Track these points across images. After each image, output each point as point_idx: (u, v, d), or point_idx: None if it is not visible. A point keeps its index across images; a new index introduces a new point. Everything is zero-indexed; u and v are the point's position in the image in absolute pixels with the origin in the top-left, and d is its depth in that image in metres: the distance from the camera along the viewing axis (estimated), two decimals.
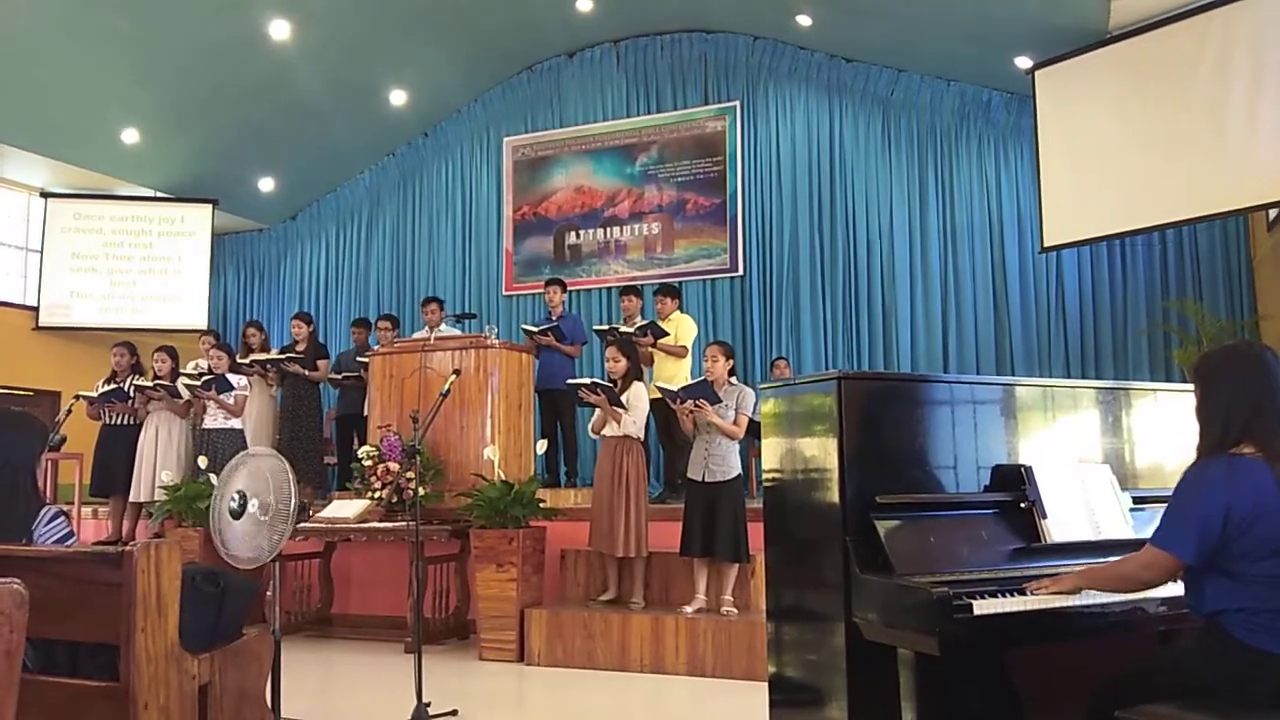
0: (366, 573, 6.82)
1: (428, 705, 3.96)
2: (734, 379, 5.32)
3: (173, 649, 2.74)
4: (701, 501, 5.19)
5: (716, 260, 10.30)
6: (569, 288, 9.04)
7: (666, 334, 6.97)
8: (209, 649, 2.92)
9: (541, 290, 8.45)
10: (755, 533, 4.80)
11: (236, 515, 3.19)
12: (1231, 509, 2.19)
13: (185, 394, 7.19)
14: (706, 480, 5.19)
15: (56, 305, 10.87)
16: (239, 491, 3.22)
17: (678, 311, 7.26)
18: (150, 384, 7.22)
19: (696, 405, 5.14)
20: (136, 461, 7.14)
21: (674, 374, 6.75)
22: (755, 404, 5.16)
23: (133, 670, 2.63)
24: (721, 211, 10.35)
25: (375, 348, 7.43)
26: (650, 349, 6.95)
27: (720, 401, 5.17)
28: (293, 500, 3.21)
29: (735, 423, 5.18)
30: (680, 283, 9.10)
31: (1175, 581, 2.39)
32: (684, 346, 7.02)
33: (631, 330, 6.99)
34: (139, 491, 7.10)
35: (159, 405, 7.25)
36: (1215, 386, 2.36)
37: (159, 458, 7.09)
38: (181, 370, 7.57)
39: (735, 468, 5.21)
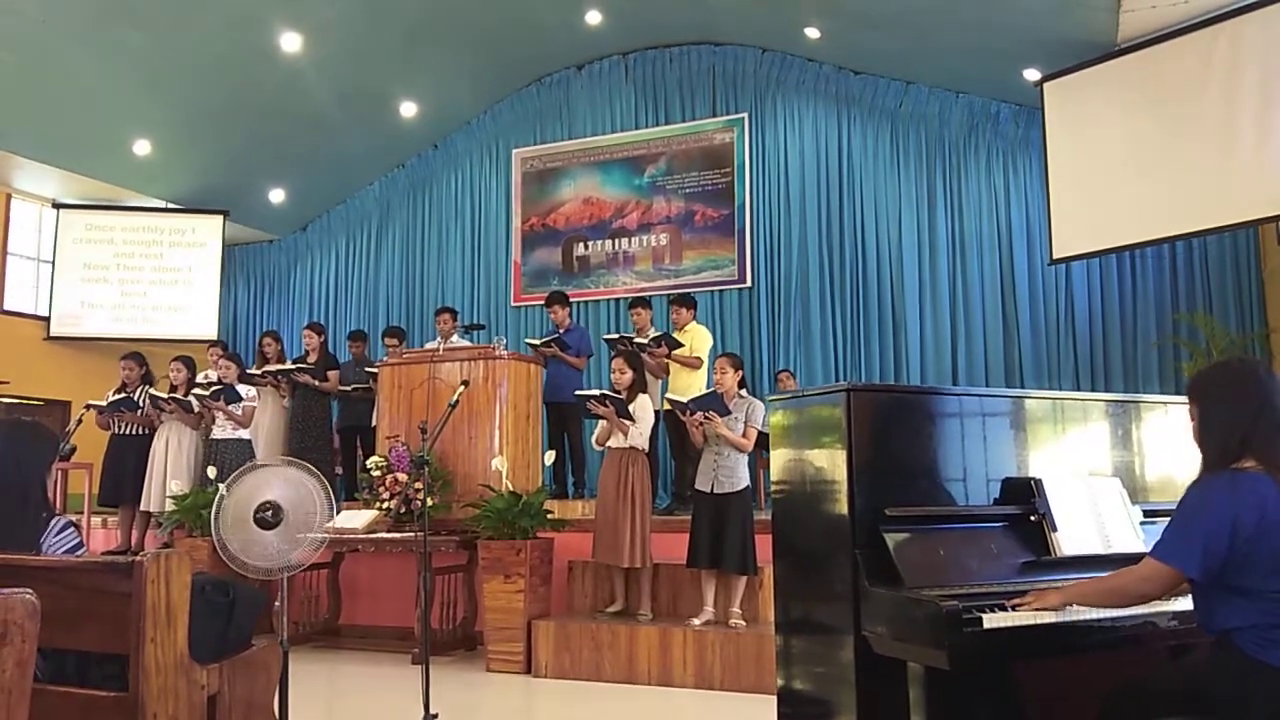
0: (374, 583, 6.83)
1: (435, 716, 3.96)
2: (744, 391, 5.32)
3: (182, 659, 2.74)
4: (709, 513, 5.18)
5: (724, 272, 10.31)
6: (578, 299, 9.05)
7: (680, 345, 6.94)
8: (218, 659, 2.92)
9: (546, 306, 8.38)
10: (763, 545, 4.79)
11: (269, 525, 3.15)
12: (1238, 523, 2.19)
13: (196, 406, 7.21)
14: (715, 492, 5.18)
15: (68, 315, 10.93)
16: (270, 502, 3.17)
17: (693, 322, 7.21)
18: (165, 395, 7.25)
19: (706, 417, 5.14)
20: (147, 471, 7.17)
21: (689, 385, 6.68)
22: (764, 416, 5.15)
23: (142, 680, 2.63)
24: (729, 223, 10.36)
25: (383, 359, 7.45)
26: (665, 360, 6.94)
27: (729, 413, 5.17)
28: (323, 512, 3.20)
29: (744, 435, 5.18)
30: (689, 294, 9.09)
31: (1174, 597, 2.39)
32: (699, 358, 6.93)
33: (646, 341, 6.97)
34: (149, 501, 7.13)
35: (172, 416, 7.28)
36: (1211, 404, 2.38)
37: (169, 468, 7.12)
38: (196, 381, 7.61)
39: (744, 479, 5.20)
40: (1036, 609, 2.44)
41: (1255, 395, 2.32)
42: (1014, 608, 2.44)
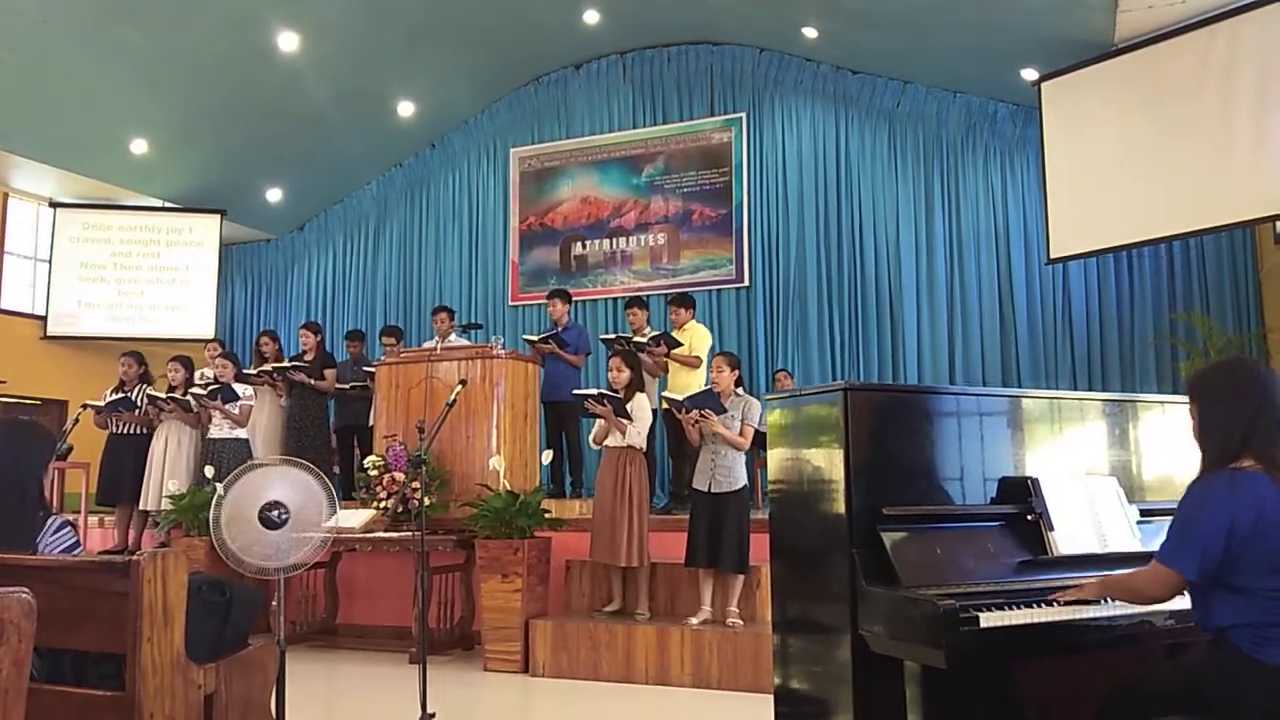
0: (371, 583, 6.82)
1: (432, 716, 3.95)
2: (741, 390, 5.32)
3: (179, 659, 2.74)
4: (707, 512, 5.18)
5: (722, 271, 10.31)
6: (575, 299, 9.02)
7: (679, 344, 6.93)
8: (215, 659, 2.92)
9: (547, 301, 8.43)
10: (759, 544, 4.79)
11: (275, 525, 3.14)
12: (1235, 524, 2.19)
13: (194, 405, 7.20)
14: (713, 491, 5.18)
15: (65, 314, 10.92)
16: (276, 502, 3.16)
17: (693, 321, 7.18)
18: (163, 395, 7.25)
19: (702, 415, 5.14)
20: (146, 470, 7.16)
21: (687, 384, 6.64)
22: (761, 415, 5.15)
23: (138, 680, 2.63)
24: (727, 222, 10.36)
25: (381, 358, 7.44)
26: (664, 359, 6.93)
27: (726, 412, 5.17)
28: (327, 511, 3.20)
29: (741, 433, 5.18)
30: (687, 293, 9.09)
31: (1182, 595, 2.40)
32: (698, 357, 6.90)
33: (644, 341, 6.97)
34: (147, 500, 7.11)
35: (170, 415, 7.27)
36: (1211, 403, 2.38)
37: (168, 467, 7.10)
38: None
39: (741, 478, 5.20)
40: (1077, 600, 2.48)
41: (1254, 394, 2.33)
42: (1060, 603, 2.48)
